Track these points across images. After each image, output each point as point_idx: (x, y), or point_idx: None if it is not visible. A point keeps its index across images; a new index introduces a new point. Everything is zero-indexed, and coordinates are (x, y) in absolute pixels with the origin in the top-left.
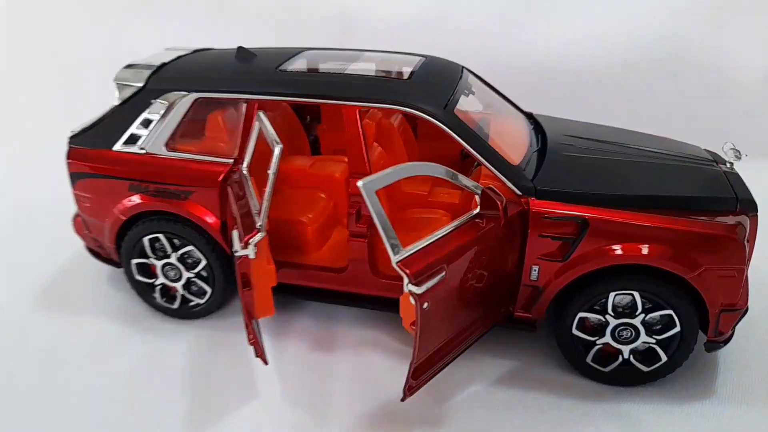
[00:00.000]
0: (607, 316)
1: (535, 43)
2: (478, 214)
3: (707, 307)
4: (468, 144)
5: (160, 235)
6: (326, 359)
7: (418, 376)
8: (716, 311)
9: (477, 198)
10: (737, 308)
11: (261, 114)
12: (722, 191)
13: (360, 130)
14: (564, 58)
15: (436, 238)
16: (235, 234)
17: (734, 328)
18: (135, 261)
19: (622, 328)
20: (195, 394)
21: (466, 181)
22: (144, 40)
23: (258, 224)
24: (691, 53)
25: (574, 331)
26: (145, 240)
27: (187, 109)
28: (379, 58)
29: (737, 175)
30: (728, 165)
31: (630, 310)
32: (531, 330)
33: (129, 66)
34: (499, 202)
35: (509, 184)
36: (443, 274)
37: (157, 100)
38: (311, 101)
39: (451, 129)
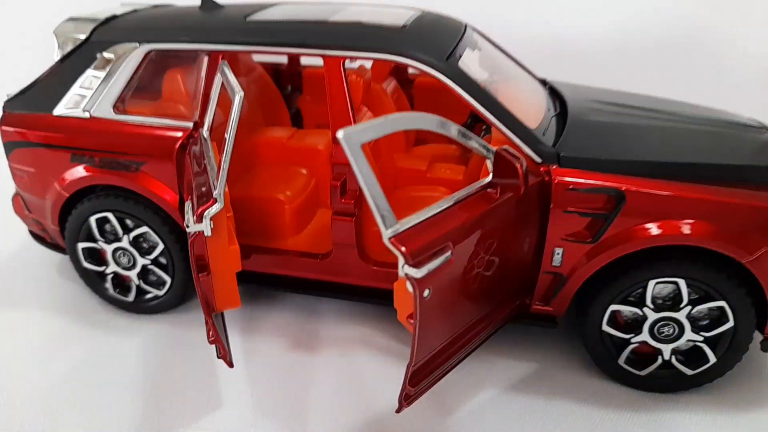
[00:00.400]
0: (645, 309)
1: (545, 14)
2: (490, 182)
3: (766, 298)
4: (476, 101)
5: (109, 215)
6: (305, 361)
7: (416, 383)
8: None
9: (488, 163)
10: None
11: (223, 64)
12: None
13: (345, 85)
14: (574, 30)
15: (440, 210)
16: (187, 206)
17: None
18: (82, 245)
19: (663, 323)
20: (147, 401)
21: (476, 142)
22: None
23: (215, 193)
24: (709, 29)
25: (605, 328)
26: (92, 220)
27: (138, 64)
28: (367, 10)
29: None
30: None
31: (673, 302)
32: (551, 326)
33: (72, 19)
34: (518, 166)
35: (527, 150)
36: (449, 254)
37: (103, 54)
38: (285, 51)
39: (455, 82)
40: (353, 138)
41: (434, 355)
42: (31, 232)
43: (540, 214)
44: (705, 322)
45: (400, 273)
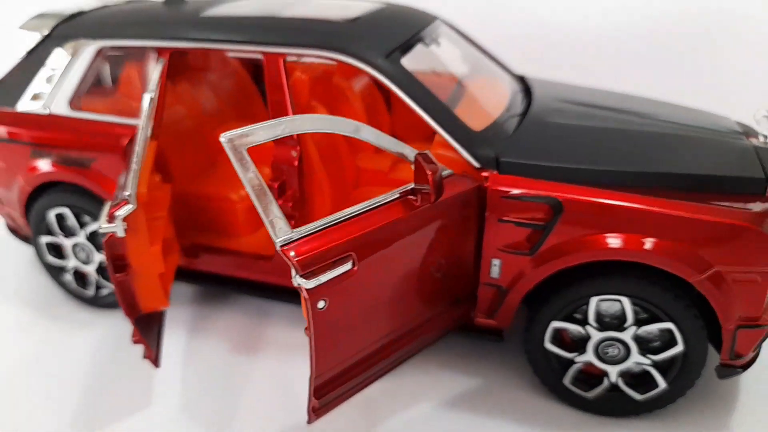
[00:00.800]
0: (588, 328)
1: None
2: (412, 189)
3: (720, 321)
4: (412, 100)
5: (66, 210)
6: (244, 365)
7: (324, 394)
8: (731, 327)
9: (413, 167)
10: (761, 324)
11: (161, 61)
12: (748, 169)
13: (284, 84)
14: (576, 20)
15: (345, 217)
16: (106, 206)
17: (759, 348)
18: (44, 239)
19: (607, 343)
20: (83, 396)
21: (393, 144)
22: None
23: (126, 193)
24: (721, 16)
25: (547, 345)
26: (51, 215)
27: (90, 61)
28: (328, 4)
29: None
30: (762, 139)
31: (619, 321)
32: (497, 340)
33: (41, 15)
34: (429, 173)
35: (464, 153)
36: (349, 264)
37: (60, 49)
38: (224, 47)
39: (390, 79)
40: (236, 142)
41: (349, 366)
42: (7, 225)
43: (478, 222)
44: (656, 344)
45: (294, 283)
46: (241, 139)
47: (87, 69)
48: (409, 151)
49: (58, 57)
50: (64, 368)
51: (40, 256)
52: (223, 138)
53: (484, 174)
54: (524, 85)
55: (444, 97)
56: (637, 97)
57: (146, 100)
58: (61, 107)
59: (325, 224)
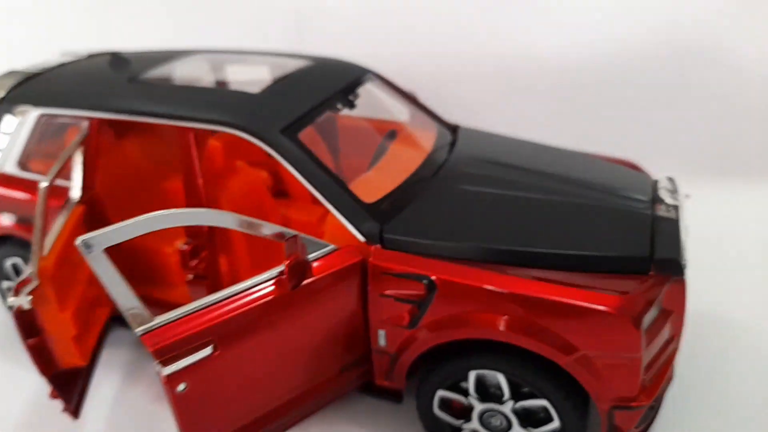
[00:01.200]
0: (470, 399)
1: (521, 40)
2: (282, 271)
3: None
4: (302, 175)
5: (20, 261)
6: (165, 414)
7: None
8: (606, 407)
9: None
10: (636, 405)
11: (83, 126)
12: (633, 247)
13: (194, 154)
14: (552, 58)
15: (211, 302)
16: (15, 281)
17: (646, 423)
18: (4, 284)
19: (490, 413)
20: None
21: (266, 228)
22: (80, 39)
23: (29, 272)
24: (688, 52)
25: (436, 412)
26: (7, 263)
27: (33, 126)
28: (260, 61)
29: (674, 222)
30: (666, 207)
31: (501, 393)
32: (396, 401)
33: (10, 73)
34: (288, 258)
35: (350, 228)
36: (208, 349)
37: (9, 114)
38: (139, 119)
39: (282, 155)
40: (93, 244)
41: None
42: None
43: (363, 294)
44: (539, 416)
45: (154, 369)
46: (98, 240)
47: (30, 134)
48: (288, 232)
49: (8, 121)
50: (7, 411)
51: (2, 299)
52: (78, 242)
53: (371, 248)
54: (454, 137)
55: (353, 164)
56: (558, 152)
57: (41, 188)
58: (10, 167)
59: (187, 311)
